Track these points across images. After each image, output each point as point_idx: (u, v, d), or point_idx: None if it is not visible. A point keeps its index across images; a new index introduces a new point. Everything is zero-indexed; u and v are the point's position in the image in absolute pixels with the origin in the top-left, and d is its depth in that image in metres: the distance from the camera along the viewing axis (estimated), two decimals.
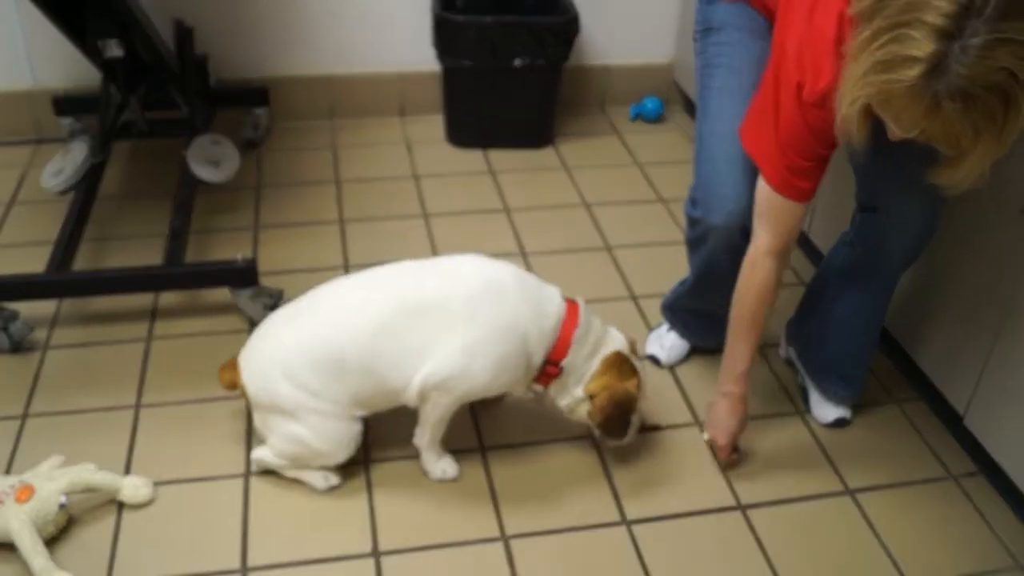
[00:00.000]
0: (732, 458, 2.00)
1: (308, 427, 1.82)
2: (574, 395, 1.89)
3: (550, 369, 1.86)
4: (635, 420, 1.92)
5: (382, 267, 1.88)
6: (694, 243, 2.03)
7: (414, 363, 1.77)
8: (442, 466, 1.95)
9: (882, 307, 2.04)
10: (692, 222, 2.00)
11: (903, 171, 1.72)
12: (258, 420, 1.91)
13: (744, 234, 1.84)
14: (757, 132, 1.72)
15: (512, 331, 1.79)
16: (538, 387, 1.91)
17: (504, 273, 1.83)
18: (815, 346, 2.13)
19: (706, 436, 2.02)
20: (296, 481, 1.92)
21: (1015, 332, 1.84)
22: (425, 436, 1.90)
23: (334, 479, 1.91)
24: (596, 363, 1.87)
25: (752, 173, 1.78)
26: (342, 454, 1.86)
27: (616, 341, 1.91)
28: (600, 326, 1.90)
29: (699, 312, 2.21)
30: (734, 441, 1.97)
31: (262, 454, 1.90)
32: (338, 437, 1.84)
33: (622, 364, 1.88)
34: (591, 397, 1.87)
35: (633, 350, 1.93)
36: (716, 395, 1.98)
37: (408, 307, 1.77)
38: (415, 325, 1.76)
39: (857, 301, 2.01)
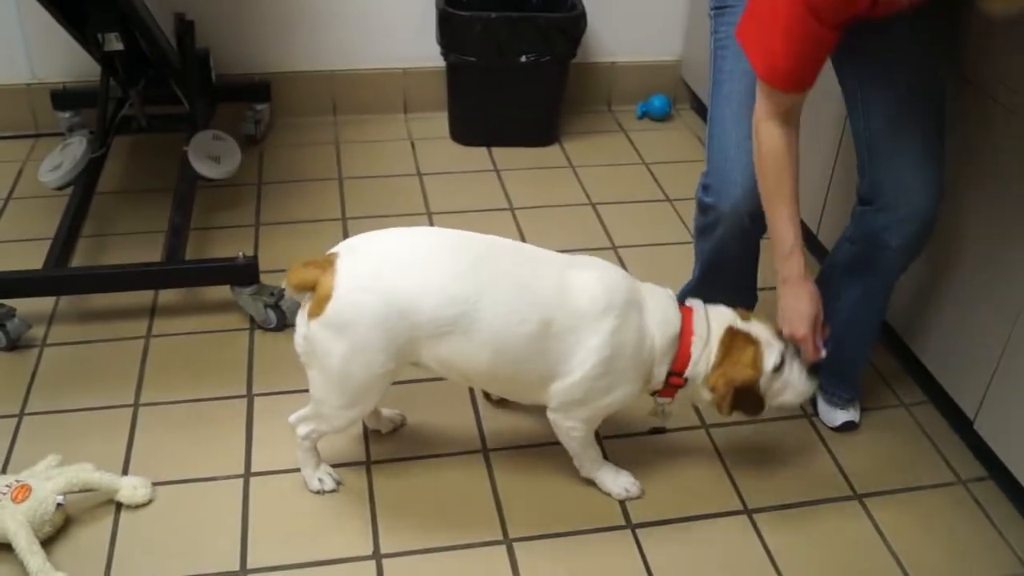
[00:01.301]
0: (820, 354, 1.83)
1: (352, 367, 1.66)
2: (704, 398, 1.82)
3: (674, 380, 1.79)
4: (772, 384, 1.80)
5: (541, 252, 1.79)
6: (703, 230, 2.01)
7: (543, 367, 1.71)
8: (622, 483, 1.91)
9: (881, 307, 2.01)
10: (703, 208, 1.97)
11: (904, 115, 1.77)
12: (305, 346, 1.70)
13: (753, 219, 1.86)
14: (755, 25, 1.68)
15: (643, 343, 1.74)
16: (663, 400, 1.86)
17: (629, 281, 1.78)
18: None
19: (784, 334, 1.82)
20: (296, 481, 1.90)
21: None
22: (583, 463, 1.90)
23: (330, 483, 1.88)
24: (713, 352, 1.77)
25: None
26: (369, 404, 1.79)
27: (723, 316, 1.80)
28: (707, 315, 1.80)
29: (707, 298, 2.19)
30: (814, 327, 1.80)
31: (296, 417, 1.83)
32: (371, 386, 1.71)
33: (733, 341, 1.77)
34: (712, 390, 1.79)
35: (744, 316, 1.81)
36: (777, 289, 1.84)
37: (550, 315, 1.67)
38: (554, 334, 1.67)
39: (857, 299, 1.98)
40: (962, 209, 1.96)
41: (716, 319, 1.79)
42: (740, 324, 1.79)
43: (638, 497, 1.91)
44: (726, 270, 2.07)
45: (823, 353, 1.83)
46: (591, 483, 1.95)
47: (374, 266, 1.64)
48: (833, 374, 2.08)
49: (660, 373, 1.78)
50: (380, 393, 1.76)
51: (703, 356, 1.77)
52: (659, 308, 1.76)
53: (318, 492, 1.88)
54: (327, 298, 1.61)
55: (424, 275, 1.63)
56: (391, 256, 1.66)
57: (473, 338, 1.64)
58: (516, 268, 1.71)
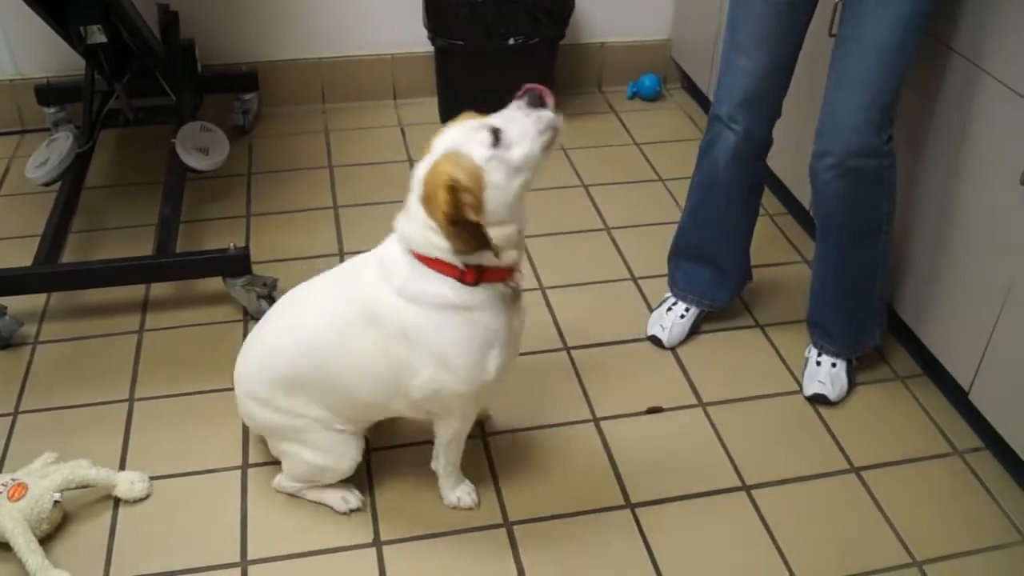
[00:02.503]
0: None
1: (302, 444, 1.76)
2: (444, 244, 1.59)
3: (448, 270, 1.59)
4: (507, 154, 1.54)
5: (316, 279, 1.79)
6: (704, 148, 2.12)
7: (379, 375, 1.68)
8: (458, 494, 1.88)
9: (844, 253, 2.02)
10: (708, 123, 2.11)
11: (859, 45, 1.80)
12: (270, 445, 1.86)
13: (750, 145, 2.03)
14: None
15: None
16: (508, 283, 1.66)
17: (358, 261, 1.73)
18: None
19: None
20: None
21: (1019, 305, 1.81)
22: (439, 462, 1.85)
23: (354, 501, 1.84)
24: (415, 202, 1.57)
25: (755, 74, 1.95)
26: (346, 464, 1.79)
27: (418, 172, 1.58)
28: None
29: (699, 256, 2.23)
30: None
31: (279, 481, 1.86)
32: (334, 448, 1.77)
33: (434, 174, 1.54)
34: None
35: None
36: None
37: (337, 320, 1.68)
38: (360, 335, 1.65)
39: (820, 240, 2.05)
40: (954, 182, 1.96)
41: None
42: (428, 159, 1.57)
43: (470, 508, 1.86)
44: (717, 196, 2.12)
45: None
46: (590, 464, 1.95)
47: (239, 373, 1.82)
48: (816, 326, 2.14)
49: (439, 289, 1.58)
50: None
51: (414, 228, 1.58)
52: (380, 261, 1.65)
53: (345, 513, 1.84)
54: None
55: (260, 355, 1.79)
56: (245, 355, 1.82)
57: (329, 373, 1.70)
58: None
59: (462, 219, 1.50)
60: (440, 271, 1.57)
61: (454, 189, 1.48)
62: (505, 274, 1.62)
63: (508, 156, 1.52)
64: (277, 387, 1.73)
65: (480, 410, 1.99)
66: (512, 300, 1.65)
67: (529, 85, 1.58)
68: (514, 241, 1.59)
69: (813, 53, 2.00)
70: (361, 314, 1.64)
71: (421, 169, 1.56)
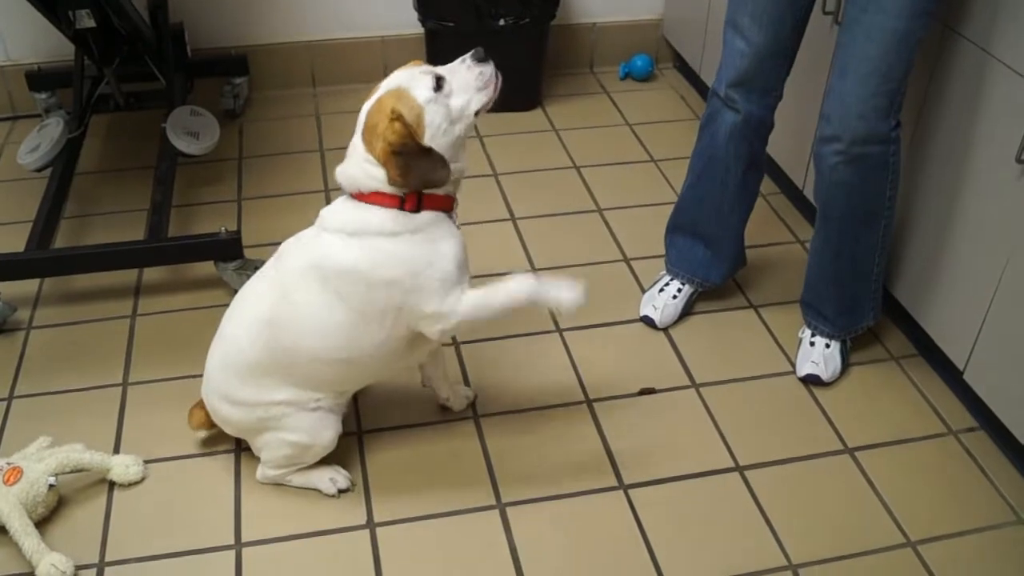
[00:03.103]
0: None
1: (280, 430, 1.77)
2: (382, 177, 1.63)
3: (387, 200, 1.62)
4: (449, 101, 1.63)
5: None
6: (704, 123, 2.13)
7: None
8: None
9: (851, 245, 2.02)
10: (708, 97, 2.12)
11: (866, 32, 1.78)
12: (251, 443, 1.87)
13: (748, 125, 2.03)
14: None
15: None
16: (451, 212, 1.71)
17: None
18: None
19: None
20: None
21: (1014, 284, 1.81)
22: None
23: (342, 481, 1.85)
24: (358, 142, 1.64)
25: (753, 57, 1.95)
26: (326, 438, 1.79)
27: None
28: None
29: (694, 233, 2.24)
30: None
31: (263, 472, 1.86)
32: (312, 426, 1.77)
33: (376, 113, 1.64)
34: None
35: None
36: None
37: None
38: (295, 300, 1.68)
39: (819, 223, 2.04)
40: (957, 166, 1.96)
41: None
42: (373, 97, 1.65)
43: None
44: (716, 174, 2.12)
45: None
46: (583, 445, 1.96)
47: (206, 380, 1.84)
48: (809, 307, 2.15)
49: (381, 218, 1.62)
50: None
51: (353, 167, 1.64)
52: (320, 219, 1.71)
53: (335, 495, 1.84)
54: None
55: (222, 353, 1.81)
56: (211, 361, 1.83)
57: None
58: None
59: (401, 147, 1.56)
60: (380, 203, 1.62)
61: (397, 119, 1.56)
62: (446, 202, 1.67)
63: (447, 103, 1.61)
64: (245, 381, 1.75)
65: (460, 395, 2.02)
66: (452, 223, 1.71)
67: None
68: (451, 180, 1.66)
69: (809, 33, 1.99)
70: (302, 271, 1.67)
71: (366, 107, 1.64)
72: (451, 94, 1.62)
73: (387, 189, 1.61)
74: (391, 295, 1.63)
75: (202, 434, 1.93)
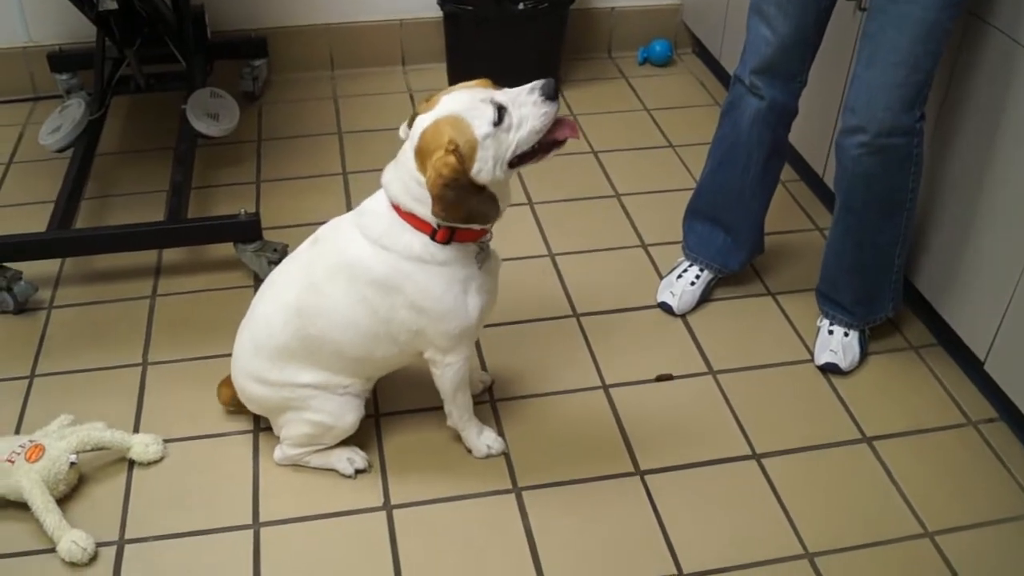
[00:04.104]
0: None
1: (304, 410, 1.78)
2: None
3: (420, 225, 1.62)
4: (504, 136, 1.56)
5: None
6: (726, 110, 2.13)
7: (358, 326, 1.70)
8: (485, 440, 1.89)
9: (872, 236, 2.01)
10: (731, 84, 2.11)
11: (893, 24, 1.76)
12: (272, 424, 1.88)
13: (771, 112, 2.02)
14: None
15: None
16: (479, 242, 1.69)
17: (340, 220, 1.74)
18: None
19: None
20: None
21: None
22: (453, 411, 1.85)
23: (360, 461, 1.86)
24: (410, 164, 1.59)
25: (777, 45, 1.94)
26: (348, 421, 1.80)
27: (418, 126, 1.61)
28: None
29: (714, 219, 2.23)
30: None
31: (282, 452, 1.86)
32: (335, 410, 1.79)
33: (432, 135, 1.57)
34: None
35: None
36: None
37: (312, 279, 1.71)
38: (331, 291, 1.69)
39: (838, 211, 2.03)
40: (984, 156, 1.94)
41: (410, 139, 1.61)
42: (431, 114, 1.57)
43: (501, 454, 1.89)
44: (737, 161, 2.12)
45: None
46: (600, 431, 1.96)
47: (235, 358, 1.85)
48: (826, 298, 2.14)
49: (409, 240, 1.61)
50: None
51: (400, 178, 1.60)
52: (361, 213, 1.68)
53: (352, 476, 1.85)
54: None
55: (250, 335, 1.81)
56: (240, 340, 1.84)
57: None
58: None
59: (453, 182, 1.52)
60: (414, 226, 1.61)
61: (453, 152, 1.51)
62: (477, 235, 1.65)
63: (504, 138, 1.55)
64: (273, 363, 1.76)
65: (476, 378, 2.02)
66: (481, 256, 1.68)
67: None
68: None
69: (831, 19, 1.97)
70: (335, 267, 1.68)
71: (423, 122, 1.57)
72: (510, 128, 1.54)
73: (425, 215, 1.58)
74: (411, 317, 1.66)
75: (229, 409, 1.95)
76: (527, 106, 1.56)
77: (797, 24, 1.93)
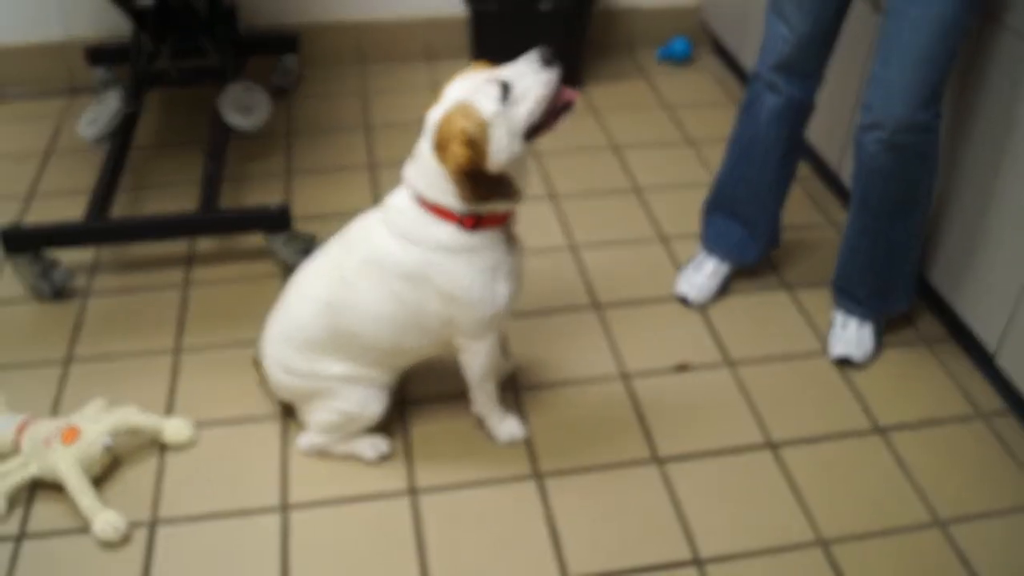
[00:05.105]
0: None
1: (331, 399, 1.83)
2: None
3: (449, 216, 1.66)
4: (512, 110, 1.59)
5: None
6: (745, 107, 2.15)
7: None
8: (508, 428, 1.94)
9: (887, 232, 2.03)
10: (749, 81, 2.14)
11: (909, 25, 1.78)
12: (298, 412, 1.93)
13: (789, 109, 2.06)
14: None
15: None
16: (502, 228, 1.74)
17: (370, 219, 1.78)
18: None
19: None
20: None
21: None
22: (479, 397, 1.90)
23: (383, 446, 1.90)
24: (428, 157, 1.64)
25: (795, 43, 1.97)
26: (374, 410, 1.85)
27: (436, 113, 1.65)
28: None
29: (732, 213, 2.26)
30: None
31: (308, 440, 1.90)
32: (362, 400, 1.83)
33: (447, 123, 1.62)
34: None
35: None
36: None
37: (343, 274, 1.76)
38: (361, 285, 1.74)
39: (854, 203, 2.05)
40: (988, 149, 1.96)
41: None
42: (440, 107, 1.62)
43: (523, 440, 1.93)
44: (755, 157, 2.15)
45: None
46: (619, 420, 2.00)
47: (266, 348, 1.89)
48: (841, 291, 2.16)
49: (437, 232, 1.66)
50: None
51: (421, 173, 1.65)
52: (387, 209, 1.72)
53: (375, 460, 1.90)
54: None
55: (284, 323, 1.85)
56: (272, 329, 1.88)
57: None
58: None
59: (472, 170, 1.57)
60: (440, 217, 1.65)
61: (469, 142, 1.56)
62: (502, 220, 1.70)
63: (513, 112, 1.58)
64: (302, 354, 1.81)
65: (504, 364, 2.06)
66: (507, 241, 1.73)
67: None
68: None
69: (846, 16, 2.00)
70: (365, 262, 1.72)
71: (434, 116, 1.62)
72: (517, 101, 1.58)
73: (451, 205, 1.63)
74: (442, 307, 1.71)
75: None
76: (528, 76, 1.59)
77: (815, 22, 1.96)
